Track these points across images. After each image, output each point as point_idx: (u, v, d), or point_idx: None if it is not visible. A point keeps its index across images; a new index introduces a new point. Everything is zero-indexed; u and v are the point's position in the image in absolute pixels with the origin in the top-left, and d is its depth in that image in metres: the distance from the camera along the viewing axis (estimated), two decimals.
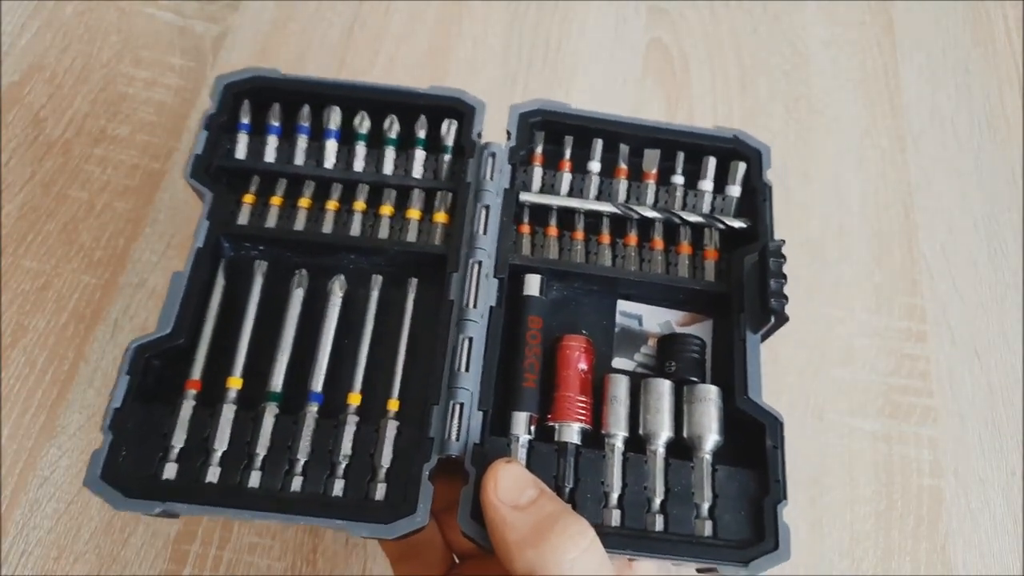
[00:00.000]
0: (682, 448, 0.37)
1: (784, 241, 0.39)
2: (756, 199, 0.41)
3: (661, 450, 0.36)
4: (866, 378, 0.55)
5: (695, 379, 0.38)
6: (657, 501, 0.35)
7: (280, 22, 0.67)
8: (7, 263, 0.55)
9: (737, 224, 0.41)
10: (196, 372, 0.37)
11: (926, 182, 0.64)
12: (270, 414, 0.36)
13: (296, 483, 0.35)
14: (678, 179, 0.42)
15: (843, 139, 0.65)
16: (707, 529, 0.35)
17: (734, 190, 0.42)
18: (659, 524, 0.35)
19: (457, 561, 0.41)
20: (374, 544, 0.48)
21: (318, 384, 0.37)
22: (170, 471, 0.34)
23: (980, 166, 0.65)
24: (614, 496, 0.35)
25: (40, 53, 0.64)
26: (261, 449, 0.35)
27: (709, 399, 0.37)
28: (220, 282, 0.39)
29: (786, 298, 0.37)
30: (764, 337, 0.38)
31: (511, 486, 0.32)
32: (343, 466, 0.35)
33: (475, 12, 0.69)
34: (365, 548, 0.48)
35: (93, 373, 0.51)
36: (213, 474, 0.35)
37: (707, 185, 0.42)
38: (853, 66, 0.69)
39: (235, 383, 0.37)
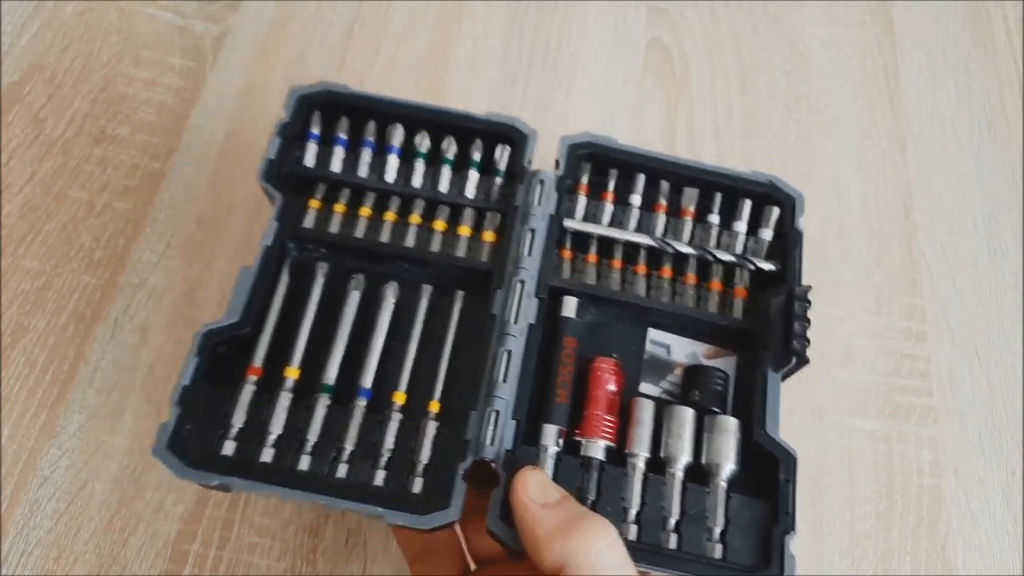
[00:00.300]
0: (700, 473, 0.39)
1: (811, 287, 0.40)
2: (787, 243, 0.43)
3: (680, 473, 0.39)
4: (866, 378, 0.55)
5: (717, 410, 0.40)
6: (672, 520, 0.38)
7: (280, 22, 0.67)
8: (7, 263, 0.55)
9: (767, 266, 0.43)
10: (258, 360, 0.40)
11: (926, 182, 0.64)
12: (322, 404, 0.39)
13: (342, 470, 0.38)
14: (714, 218, 0.44)
15: (843, 139, 0.65)
16: (717, 552, 0.37)
17: (766, 233, 0.44)
18: (673, 542, 0.37)
19: (473, 567, 0.41)
20: (374, 544, 0.48)
21: (367, 380, 0.40)
22: (228, 448, 0.38)
23: (980, 166, 0.65)
24: (632, 512, 0.38)
25: (40, 53, 0.64)
26: (312, 436, 0.38)
27: (728, 430, 0.39)
28: (284, 279, 0.42)
29: (808, 341, 0.38)
30: (785, 376, 0.40)
31: (539, 488, 0.34)
32: (385, 458, 0.38)
33: (475, 12, 0.69)
34: (365, 548, 0.48)
35: (93, 373, 0.51)
36: (267, 455, 0.38)
37: (741, 227, 0.44)
38: (853, 66, 0.69)
39: (292, 373, 0.40)
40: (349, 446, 0.38)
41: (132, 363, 0.52)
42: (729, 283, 0.43)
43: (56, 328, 0.53)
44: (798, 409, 0.53)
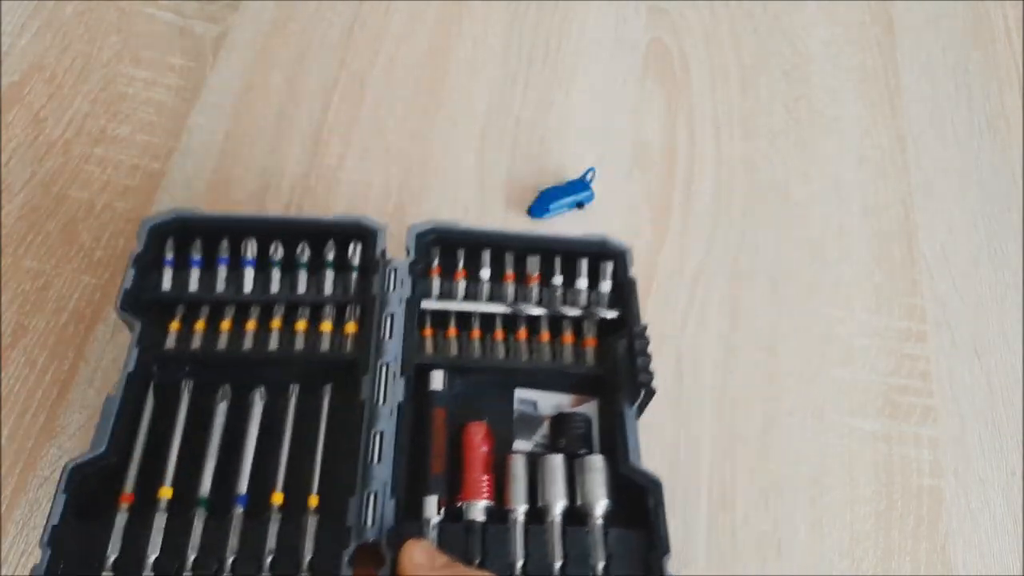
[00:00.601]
0: (577, 515, 0.41)
1: (647, 325, 0.44)
2: (624, 291, 0.47)
3: (558, 519, 0.40)
4: (866, 378, 0.55)
5: (583, 451, 0.43)
6: (557, 566, 0.39)
7: (280, 22, 0.67)
8: (7, 263, 0.55)
9: (610, 314, 0.47)
10: (129, 487, 0.40)
11: (926, 182, 0.64)
12: (199, 519, 0.39)
13: None
14: (557, 279, 0.48)
15: (843, 139, 0.65)
16: None
17: (606, 285, 0.48)
18: None
19: None
20: None
21: (243, 487, 0.40)
22: None
23: (980, 166, 0.65)
24: (518, 565, 0.39)
25: (40, 53, 0.64)
26: (192, 552, 0.38)
27: (596, 468, 0.41)
28: (150, 402, 0.42)
29: (651, 374, 0.42)
30: (640, 410, 0.43)
31: (425, 556, 0.36)
32: (269, 560, 0.38)
33: (475, 12, 0.69)
34: None
35: (93, 373, 0.51)
36: None
37: (583, 283, 0.48)
38: (853, 66, 0.69)
39: (166, 493, 0.39)
40: (231, 555, 0.38)
41: None
42: (580, 335, 0.47)
43: (56, 328, 0.53)
44: (798, 409, 0.53)
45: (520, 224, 0.59)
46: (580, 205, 0.59)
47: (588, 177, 0.59)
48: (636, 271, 0.57)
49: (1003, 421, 0.54)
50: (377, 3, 0.69)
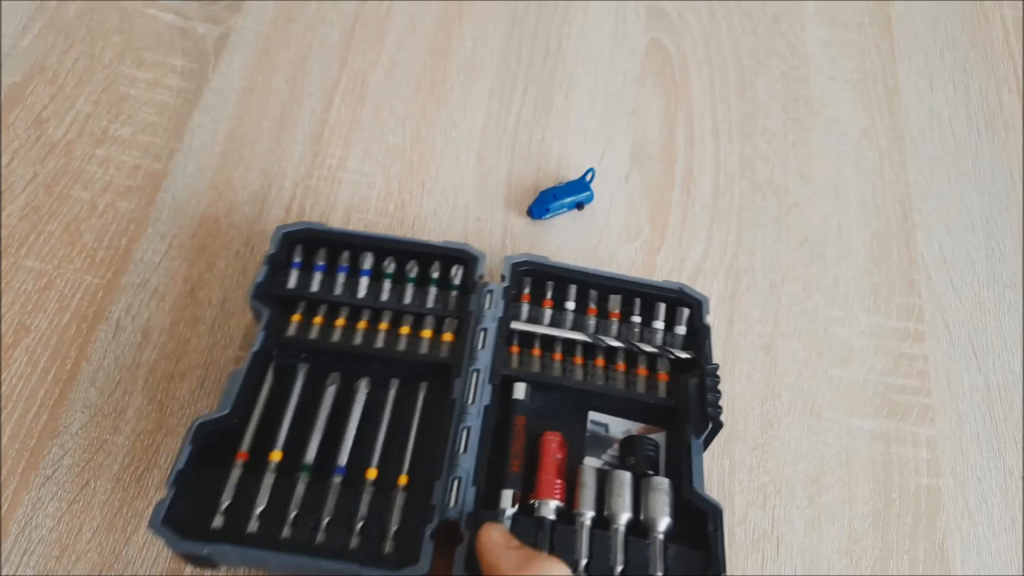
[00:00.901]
0: (640, 529, 0.44)
1: (718, 365, 0.48)
2: (698, 336, 0.50)
3: (622, 528, 0.43)
4: (864, 378, 0.55)
5: (651, 472, 0.46)
6: (618, 569, 0.42)
7: (281, 23, 0.68)
8: (10, 263, 0.55)
9: (684, 355, 0.50)
10: (244, 446, 0.45)
11: (924, 182, 0.64)
12: (302, 482, 0.44)
13: (320, 537, 0.42)
14: (636, 319, 0.52)
15: (841, 139, 0.66)
16: None
17: (680, 329, 0.52)
18: None
19: None
20: None
21: (343, 460, 0.45)
22: (218, 522, 0.42)
23: (978, 166, 0.65)
24: (582, 563, 0.42)
25: (42, 54, 0.64)
26: (293, 509, 0.43)
27: (662, 488, 0.44)
28: (269, 379, 0.48)
29: (720, 409, 0.46)
30: (707, 443, 0.47)
31: (501, 535, 0.40)
32: (359, 526, 0.43)
33: (475, 13, 0.70)
34: None
35: (95, 372, 0.52)
36: (253, 526, 0.42)
37: (659, 324, 0.52)
38: (852, 67, 0.70)
39: (276, 456, 0.45)
40: (327, 517, 0.43)
41: (134, 362, 0.52)
42: (653, 369, 0.51)
43: (58, 328, 0.53)
44: (797, 408, 0.54)
45: (520, 224, 0.59)
46: (580, 206, 0.60)
47: (588, 178, 0.60)
48: (636, 270, 0.57)
49: (1001, 420, 0.55)
50: (378, 4, 0.69)
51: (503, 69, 0.67)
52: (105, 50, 0.65)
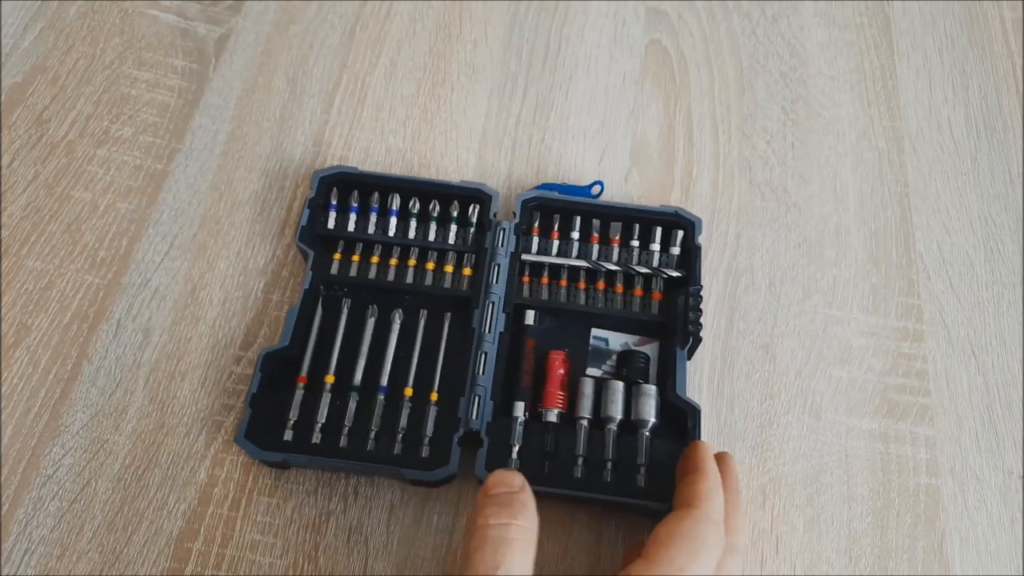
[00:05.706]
0: (630, 429, 0.51)
1: (702, 286, 0.54)
2: (691, 256, 0.56)
3: (615, 428, 0.51)
4: (863, 377, 0.55)
5: (640, 381, 0.53)
6: (610, 462, 0.50)
7: (282, 24, 0.68)
8: (10, 263, 0.55)
9: (675, 273, 0.56)
10: (303, 371, 0.52)
11: (923, 183, 0.64)
12: (353, 400, 0.52)
13: (371, 445, 0.50)
14: (634, 243, 0.58)
15: (841, 140, 0.66)
16: (643, 481, 0.49)
17: (675, 250, 0.57)
18: (611, 477, 0.50)
19: None
20: (375, 542, 0.48)
21: (384, 380, 0.53)
22: (288, 435, 0.50)
23: (977, 167, 0.65)
24: (581, 458, 0.50)
25: (43, 54, 0.64)
26: (348, 422, 0.51)
27: (649, 394, 0.51)
28: (319, 312, 0.55)
29: (700, 325, 0.52)
30: (690, 353, 0.53)
31: (507, 477, 0.43)
32: (401, 435, 0.51)
33: (475, 14, 0.70)
34: (367, 546, 0.48)
35: (96, 372, 0.52)
36: (316, 438, 0.50)
37: (655, 247, 0.58)
38: (851, 67, 0.70)
39: (330, 379, 0.52)
40: (374, 428, 0.51)
41: (135, 362, 0.52)
42: (648, 289, 0.57)
43: (59, 328, 0.53)
44: (796, 408, 0.54)
45: None
46: None
47: (595, 191, 0.60)
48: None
49: (1000, 420, 0.55)
50: (378, 4, 0.70)
51: (503, 70, 0.67)
52: (106, 50, 0.65)
